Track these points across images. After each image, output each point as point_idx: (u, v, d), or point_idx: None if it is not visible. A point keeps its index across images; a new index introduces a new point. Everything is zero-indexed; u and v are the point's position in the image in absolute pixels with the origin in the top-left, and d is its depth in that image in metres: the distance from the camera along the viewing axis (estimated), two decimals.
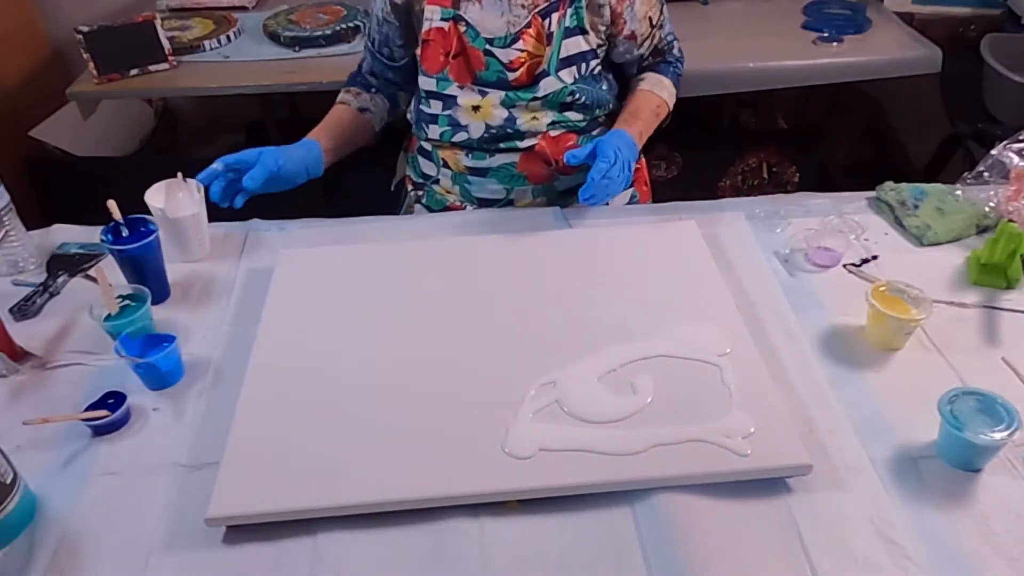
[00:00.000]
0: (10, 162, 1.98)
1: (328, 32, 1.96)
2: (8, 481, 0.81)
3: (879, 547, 0.80)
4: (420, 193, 1.43)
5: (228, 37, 2.01)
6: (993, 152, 1.25)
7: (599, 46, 1.27)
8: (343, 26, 1.98)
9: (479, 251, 1.17)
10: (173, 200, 1.17)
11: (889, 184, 1.29)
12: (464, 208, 1.38)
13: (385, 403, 0.93)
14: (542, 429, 0.89)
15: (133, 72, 1.89)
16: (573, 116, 1.28)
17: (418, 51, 1.27)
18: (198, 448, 0.91)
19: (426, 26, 1.23)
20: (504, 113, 1.25)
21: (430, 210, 1.41)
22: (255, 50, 1.98)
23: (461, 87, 1.25)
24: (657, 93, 1.33)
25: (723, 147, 2.32)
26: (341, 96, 1.38)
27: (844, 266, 1.16)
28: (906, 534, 0.81)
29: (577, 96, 1.26)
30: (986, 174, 1.25)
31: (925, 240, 1.19)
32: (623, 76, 1.38)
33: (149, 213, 1.14)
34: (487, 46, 1.22)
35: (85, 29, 1.83)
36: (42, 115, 2.02)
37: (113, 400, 0.94)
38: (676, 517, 0.82)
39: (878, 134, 2.40)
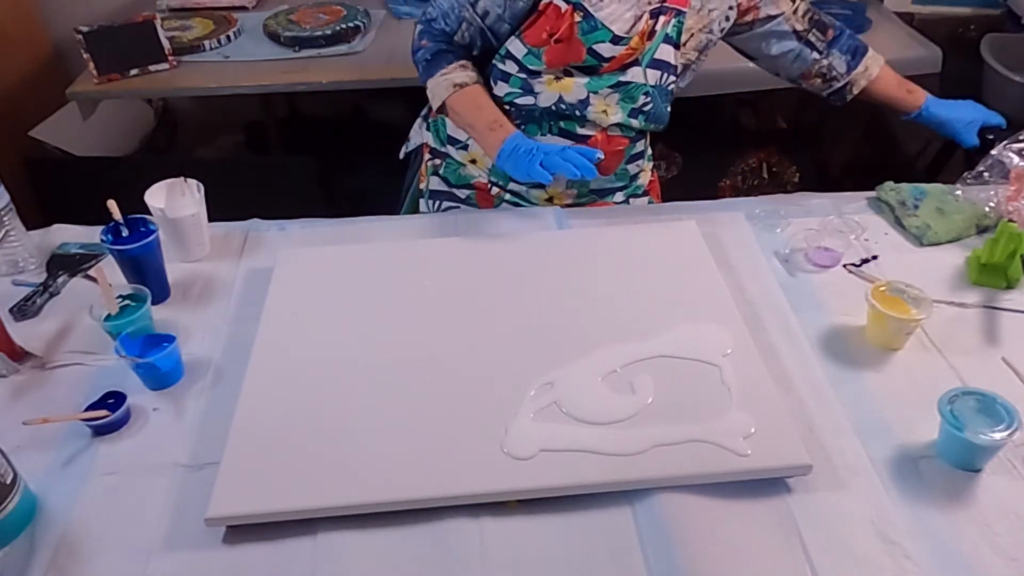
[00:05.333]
0: (10, 162, 1.98)
1: (328, 32, 1.96)
2: (8, 481, 0.81)
3: (879, 547, 0.80)
4: (438, 162, 1.38)
5: (228, 37, 2.01)
6: (993, 152, 1.25)
7: (684, 67, 1.27)
8: (343, 26, 1.98)
9: (479, 251, 1.16)
10: (173, 200, 1.17)
11: (889, 184, 1.29)
12: (487, 186, 1.35)
13: (385, 403, 0.93)
14: (542, 429, 0.89)
15: (133, 72, 1.89)
16: (635, 123, 1.27)
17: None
18: (198, 448, 0.91)
19: None
20: (583, 94, 1.23)
21: (448, 183, 1.38)
22: (255, 50, 1.98)
23: (548, 69, 1.22)
24: (876, 68, 1.36)
25: (723, 147, 2.32)
26: (460, 76, 1.23)
27: (844, 266, 1.16)
28: (906, 534, 0.81)
29: (649, 100, 1.25)
30: (986, 174, 1.25)
31: (925, 240, 1.19)
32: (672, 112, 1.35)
33: (149, 213, 1.14)
34: (594, 45, 1.19)
35: (85, 29, 1.83)
36: (42, 115, 2.02)
37: (113, 400, 0.94)
38: (676, 517, 0.82)
39: (878, 134, 2.40)
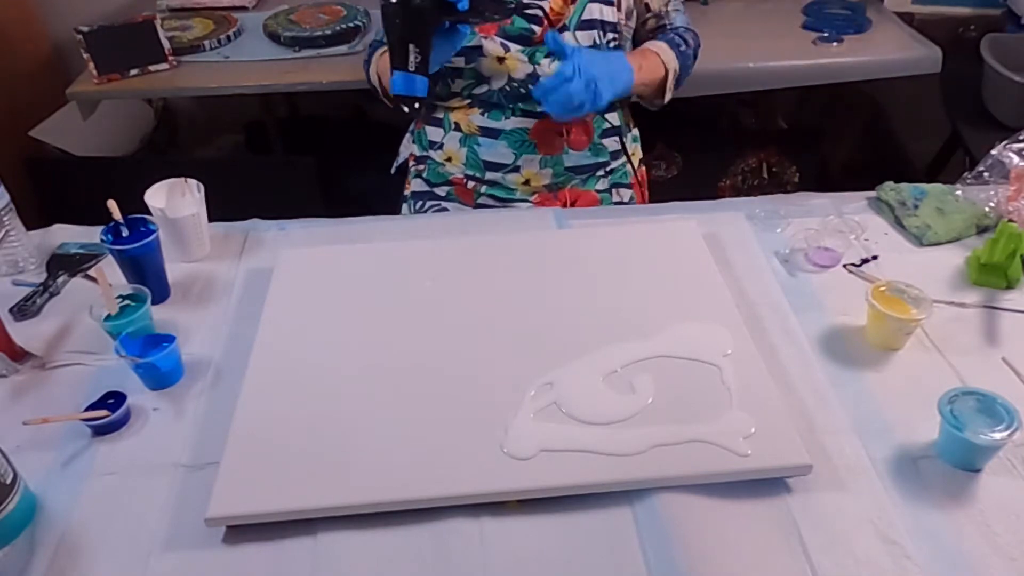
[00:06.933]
0: (10, 162, 1.98)
1: (328, 32, 1.96)
2: (8, 481, 0.81)
3: (879, 547, 0.80)
4: (421, 167, 1.42)
5: (228, 37, 2.01)
6: (993, 152, 1.25)
7: (622, 22, 1.29)
8: (343, 26, 1.98)
9: (479, 251, 1.16)
10: (173, 200, 1.17)
11: (889, 184, 1.29)
12: (463, 180, 1.37)
13: (385, 403, 0.93)
14: (542, 429, 0.89)
15: (133, 72, 1.89)
16: None
17: None
18: (198, 448, 0.91)
19: None
20: (528, 68, 1.26)
21: (429, 184, 1.41)
22: (255, 50, 1.98)
23: (485, 37, 1.24)
24: (652, 49, 1.32)
25: (723, 147, 2.32)
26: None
27: (844, 266, 1.16)
28: (906, 534, 0.81)
29: None
30: (986, 174, 1.25)
31: (925, 240, 1.19)
32: None
33: (149, 213, 1.14)
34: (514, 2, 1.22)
35: (85, 29, 1.83)
36: (42, 115, 2.02)
37: (113, 400, 0.94)
38: (676, 517, 0.82)
39: (878, 134, 2.40)
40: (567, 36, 1.25)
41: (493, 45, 1.25)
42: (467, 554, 0.80)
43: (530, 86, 1.25)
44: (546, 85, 1.15)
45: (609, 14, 1.27)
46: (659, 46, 1.31)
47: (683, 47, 1.33)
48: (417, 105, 1.09)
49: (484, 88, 1.28)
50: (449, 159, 1.37)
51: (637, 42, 1.36)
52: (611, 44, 1.29)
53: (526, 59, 1.26)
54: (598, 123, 1.34)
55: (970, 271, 1.13)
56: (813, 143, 2.39)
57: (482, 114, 1.30)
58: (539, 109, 1.26)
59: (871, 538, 0.81)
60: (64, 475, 0.89)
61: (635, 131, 1.45)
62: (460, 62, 1.27)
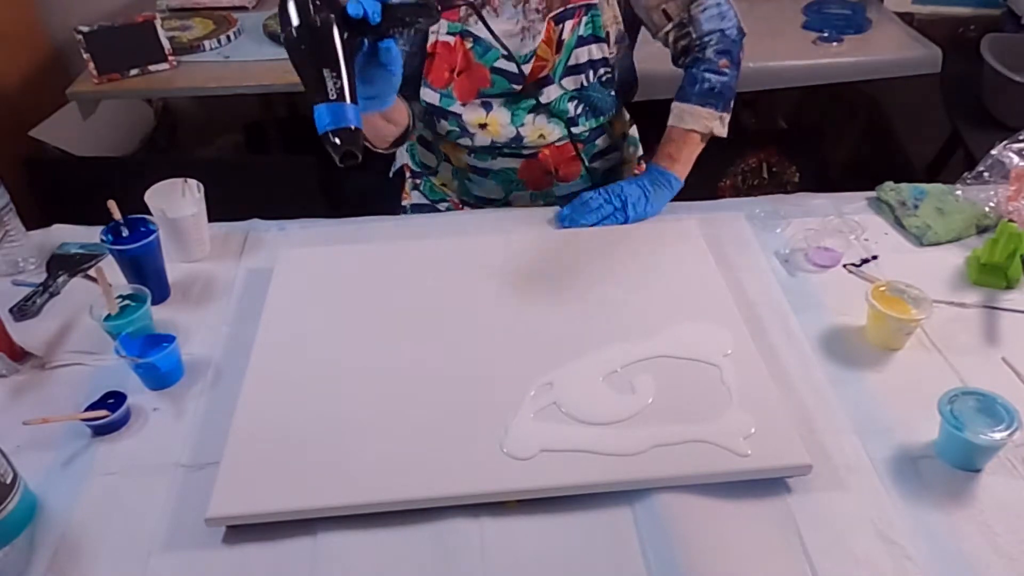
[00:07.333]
0: (10, 162, 1.98)
1: None
2: (8, 481, 0.81)
3: (879, 547, 0.80)
4: (418, 181, 1.42)
5: (228, 37, 2.01)
6: (993, 152, 1.25)
7: (613, 54, 1.22)
8: None
9: (479, 251, 1.16)
10: (173, 200, 1.17)
11: (889, 184, 1.29)
12: (460, 206, 1.38)
13: (385, 402, 0.93)
14: (542, 429, 0.89)
15: (133, 72, 1.90)
16: (577, 130, 1.26)
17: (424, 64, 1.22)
18: (198, 448, 0.91)
19: (432, 39, 1.19)
20: (512, 132, 1.23)
21: (426, 197, 1.41)
22: (255, 50, 1.98)
23: (464, 104, 1.22)
24: (685, 127, 1.23)
25: (723, 147, 2.31)
26: None
27: (844, 266, 1.16)
28: (906, 534, 0.81)
29: (578, 103, 1.24)
30: (986, 174, 1.25)
31: (925, 240, 1.19)
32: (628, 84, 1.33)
33: (149, 213, 1.14)
34: (495, 64, 1.18)
35: (85, 29, 1.83)
36: (42, 115, 2.02)
37: (113, 400, 0.94)
38: (676, 517, 0.82)
39: (878, 134, 2.40)
40: (550, 90, 1.20)
41: (474, 112, 1.22)
42: (467, 554, 0.80)
43: (513, 144, 1.24)
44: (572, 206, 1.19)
45: (599, 52, 1.20)
46: (683, 116, 1.22)
47: (708, 82, 1.20)
48: (350, 143, 0.88)
49: (468, 141, 1.26)
50: (444, 185, 1.38)
51: (673, 56, 1.27)
52: (603, 79, 1.23)
53: (508, 121, 1.22)
54: (586, 151, 1.31)
55: (970, 271, 1.13)
56: (813, 143, 2.39)
57: (469, 154, 1.29)
58: (525, 153, 1.26)
59: (871, 538, 0.81)
60: (64, 475, 0.89)
61: (632, 131, 1.43)
62: (445, 126, 1.25)
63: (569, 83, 1.22)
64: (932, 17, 2.08)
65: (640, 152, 1.46)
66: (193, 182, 1.18)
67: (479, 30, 1.17)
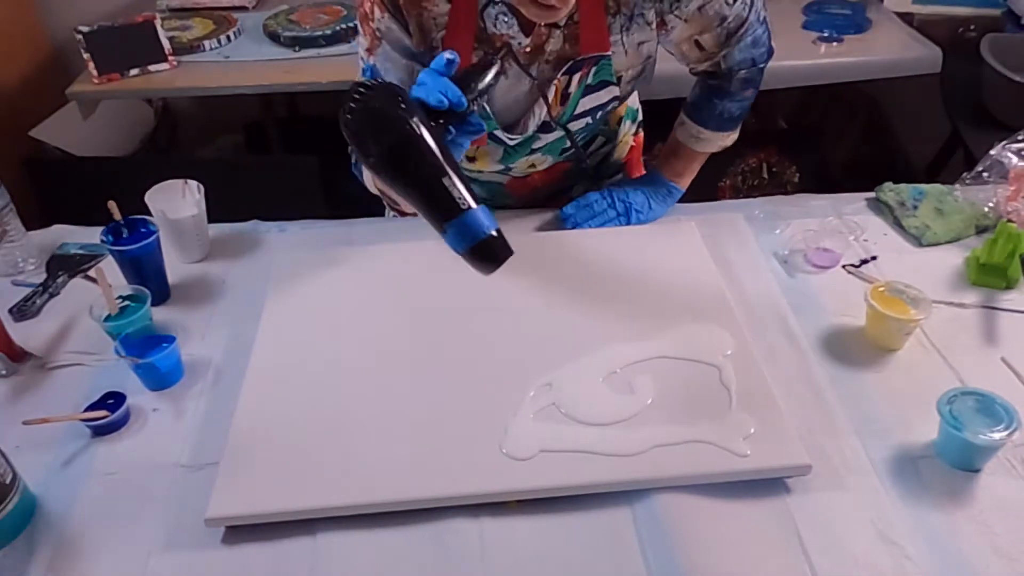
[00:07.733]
0: (10, 162, 1.99)
1: (328, 32, 1.96)
2: (8, 481, 0.81)
3: (879, 547, 0.80)
4: None
5: (228, 37, 2.01)
6: (992, 152, 1.25)
7: (626, 89, 1.14)
8: (343, 26, 1.98)
9: None
10: (173, 201, 1.17)
11: (888, 185, 1.29)
12: None
13: (385, 403, 0.93)
14: (542, 430, 0.89)
15: (133, 72, 1.90)
16: (573, 150, 1.22)
17: None
18: (198, 448, 0.91)
19: None
20: (499, 167, 1.20)
21: None
22: (255, 50, 1.98)
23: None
24: (698, 150, 1.23)
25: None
26: None
27: (843, 267, 1.16)
28: (906, 534, 0.81)
29: (577, 137, 1.19)
30: (985, 174, 1.25)
31: (924, 240, 1.19)
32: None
33: (149, 213, 1.14)
34: (495, 132, 1.10)
35: (85, 29, 1.83)
36: (42, 115, 2.02)
37: (113, 400, 0.94)
38: (676, 517, 0.82)
39: (878, 134, 2.40)
40: (549, 136, 1.13)
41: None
42: (467, 554, 0.80)
43: (504, 175, 1.23)
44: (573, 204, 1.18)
45: (607, 95, 1.12)
46: (698, 138, 1.21)
47: (729, 111, 1.19)
48: (500, 250, 0.80)
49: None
50: None
51: (692, 71, 1.21)
52: (610, 108, 1.16)
53: (498, 159, 1.17)
54: (575, 166, 1.27)
55: (969, 271, 1.13)
56: (813, 143, 2.39)
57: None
58: (514, 175, 1.24)
59: (871, 538, 0.81)
60: (63, 475, 0.89)
61: (632, 102, 1.34)
62: None
63: (573, 126, 1.15)
64: (932, 17, 2.08)
65: (639, 120, 1.39)
66: (193, 183, 1.18)
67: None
